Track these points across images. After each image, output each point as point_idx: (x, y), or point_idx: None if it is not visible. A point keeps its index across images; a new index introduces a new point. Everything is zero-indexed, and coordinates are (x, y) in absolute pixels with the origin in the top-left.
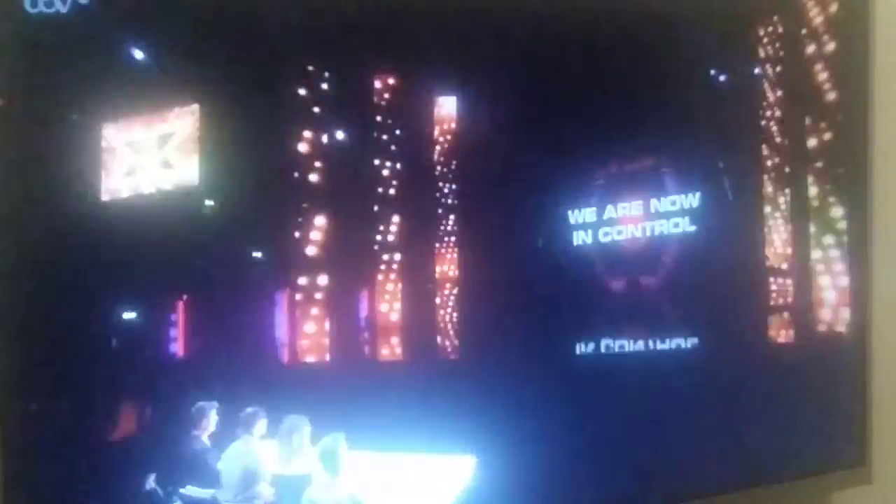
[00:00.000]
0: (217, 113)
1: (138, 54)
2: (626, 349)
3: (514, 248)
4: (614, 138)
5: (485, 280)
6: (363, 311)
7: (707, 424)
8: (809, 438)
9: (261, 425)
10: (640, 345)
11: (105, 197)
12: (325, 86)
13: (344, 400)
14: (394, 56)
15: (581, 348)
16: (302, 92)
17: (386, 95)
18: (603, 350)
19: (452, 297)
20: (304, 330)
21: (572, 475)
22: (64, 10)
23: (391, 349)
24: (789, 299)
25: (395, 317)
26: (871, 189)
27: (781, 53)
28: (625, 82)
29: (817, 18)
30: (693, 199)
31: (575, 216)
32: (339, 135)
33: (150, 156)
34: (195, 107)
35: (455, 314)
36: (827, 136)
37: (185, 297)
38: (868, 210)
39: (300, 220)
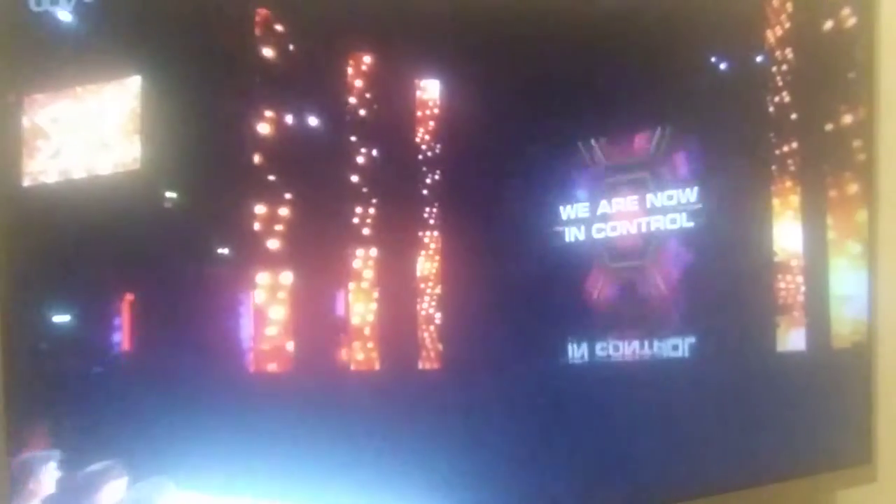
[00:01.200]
0: (162, 86)
1: (63, 15)
2: (629, 351)
3: (495, 247)
4: (609, 127)
5: (463, 283)
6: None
7: (712, 424)
8: (814, 437)
9: (113, 490)
10: (644, 347)
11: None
12: (288, 58)
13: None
14: (364, 29)
15: (576, 353)
16: (262, 63)
17: (358, 73)
18: (604, 354)
19: (428, 302)
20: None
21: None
22: (69, 7)
23: (365, 356)
24: (793, 298)
25: (361, 321)
26: (878, 186)
27: (786, 42)
28: (622, 66)
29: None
30: (691, 194)
31: (567, 211)
32: (305, 114)
33: (82, 134)
34: (136, 78)
35: (432, 320)
36: (832, 127)
37: (119, 298)
38: (874, 208)
39: (257, 210)
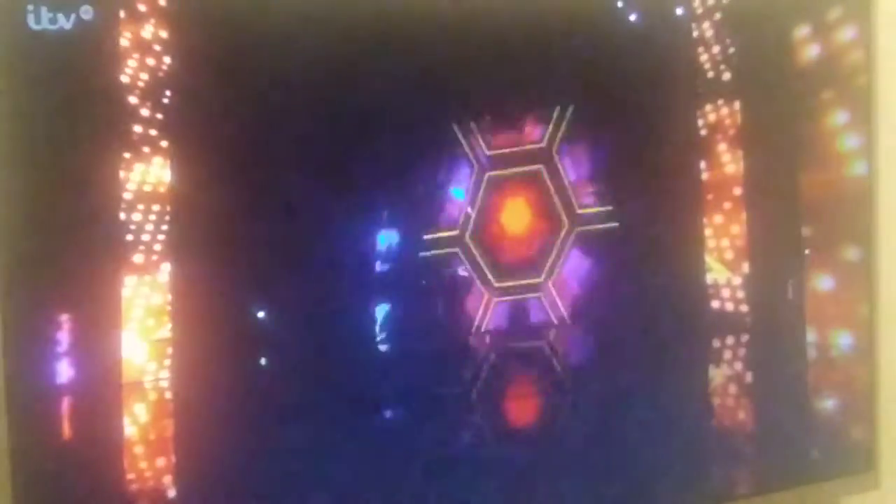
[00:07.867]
0: None
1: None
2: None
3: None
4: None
5: None
6: None
7: (713, 431)
8: (816, 444)
9: None
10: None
11: None
12: None
13: None
14: None
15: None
16: None
17: None
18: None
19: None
20: None
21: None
22: (68, 26)
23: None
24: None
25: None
26: (878, 173)
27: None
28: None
29: None
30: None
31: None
32: None
33: None
34: None
35: None
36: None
37: None
38: (873, 204)
39: None
